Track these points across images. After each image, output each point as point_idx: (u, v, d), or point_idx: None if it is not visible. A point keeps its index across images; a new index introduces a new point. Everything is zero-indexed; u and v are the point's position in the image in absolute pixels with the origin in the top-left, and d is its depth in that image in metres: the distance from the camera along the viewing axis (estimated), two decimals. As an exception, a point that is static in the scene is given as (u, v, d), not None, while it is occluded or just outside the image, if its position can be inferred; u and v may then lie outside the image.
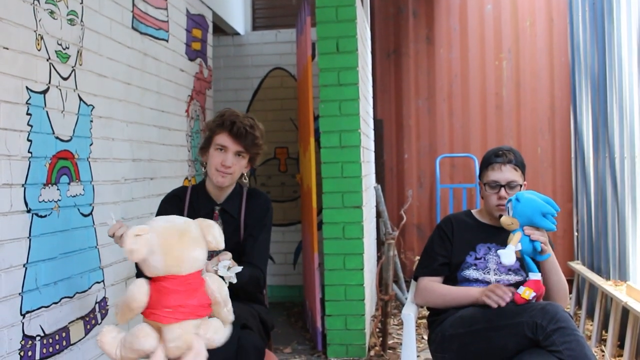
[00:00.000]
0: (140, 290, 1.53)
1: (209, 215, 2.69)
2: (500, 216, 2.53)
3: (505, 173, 2.71)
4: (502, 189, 2.70)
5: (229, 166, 2.60)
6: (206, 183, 2.76)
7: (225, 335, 1.63)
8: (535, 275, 2.41)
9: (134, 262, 1.55)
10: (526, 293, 2.38)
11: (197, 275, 1.55)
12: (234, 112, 2.67)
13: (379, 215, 5.62)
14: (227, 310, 1.61)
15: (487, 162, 2.78)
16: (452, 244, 2.80)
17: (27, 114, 2.46)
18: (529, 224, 2.42)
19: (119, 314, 1.58)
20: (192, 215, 2.66)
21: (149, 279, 1.57)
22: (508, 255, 2.35)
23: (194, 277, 1.54)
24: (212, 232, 1.58)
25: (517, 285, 2.56)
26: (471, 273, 2.71)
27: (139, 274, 2.53)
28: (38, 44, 2.54)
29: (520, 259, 2.44)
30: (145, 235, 1.53)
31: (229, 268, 1.71)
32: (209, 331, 1.56)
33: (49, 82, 2.61)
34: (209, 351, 1.68)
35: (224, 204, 2.73)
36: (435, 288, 2.75)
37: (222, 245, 1.61)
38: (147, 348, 1.52)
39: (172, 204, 2.75)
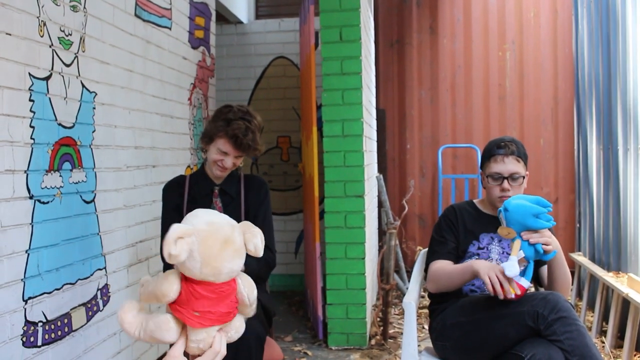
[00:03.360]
0: (172, 288, 1.49)
1: (209, 196, 2.81)
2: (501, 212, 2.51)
3: (508, 165, 2.69)
4: (505, 181, 2.68)
5: (227, 167, 2.74)
6: (205, 167, 2.86)
7: (244, 329, 1.62)
8: (526, 283, 2.38)
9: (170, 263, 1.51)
10: (510, 295, 2.34)
11: (230, 282, 1.53)
12: (239, 125, 2.67)
13: (380, 204, 5.62)
14: (251, 309, 1.59)
15: (489, 153, 2.75)
16: (458, 231, 2.79)
17: (30, 100, 2.46)
18: (525, 229, 2.38)
19: (143, 295, 1.55)
20: (194, 196, 2.77)
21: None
22: (511, 266, 2.31)
23: (227, 284, 1.51)
24: (254, 242, 1.54)
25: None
26: (474, 263, 2.71)
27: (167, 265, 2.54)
28: (41, 31, 2.53)
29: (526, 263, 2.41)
30: (188, 239, 1.47)
31: None
32: (230, 331, 1.55)
33: (52, 69, 2.61)
34: None
35: (222, 185, 2.83)
36: (441, 268, 2.69)
37: (260, 254, 1.57)
38: (167, 341, 1.51)
39: (173, 192, 2.84)
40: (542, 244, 2.36)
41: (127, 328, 1.55)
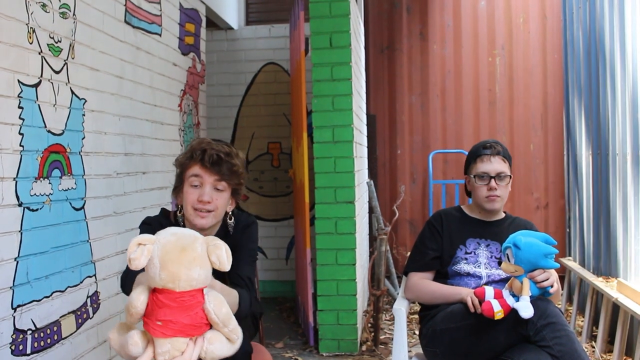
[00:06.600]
0: (139, 298, 1.52)
1: None
2: (490, 213, 2.52)
3: (495, 164, 2.74)
4: (492, 180, 2.72)
5: (207, 201, 2.16)
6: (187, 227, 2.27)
7: (227, 349, 1.59)
8: (511, 301, 2.36)
9: (133, 269, 1.53)
10: (498, 314, 2.34)
11: (194, 293, 1.52)
12: (204, 140, 2.28)
13: (371, 210, 5.62)
14: (228, 330, 1.57)
15: (476, 154, 2.80)
16: (442, 238, 2.81)
17: (19, 107, 2.45)
18: (534, 268, 2.36)
19: (126, 314, 1.58)
20: None
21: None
22: (526, 307, 2.29)
23: (190, 295, 1.51)
24: (217, 253, 1.54)
25: (507, 280, 2.57)
26: (462, 267, 2.73)
27: (129, 276, 2.18)
28: (30, 37, 2.52)
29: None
30: (149, 246, 1.51)
31: None
32: (204, 342, 1.54)
33: (41, 76, 2.60)
34: None
35: None
36: (425, 285, 2.77)
37: (226, 267, 1.55)
38: (133, 355, 1.53)
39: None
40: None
41: (112, 345, 1.61)
